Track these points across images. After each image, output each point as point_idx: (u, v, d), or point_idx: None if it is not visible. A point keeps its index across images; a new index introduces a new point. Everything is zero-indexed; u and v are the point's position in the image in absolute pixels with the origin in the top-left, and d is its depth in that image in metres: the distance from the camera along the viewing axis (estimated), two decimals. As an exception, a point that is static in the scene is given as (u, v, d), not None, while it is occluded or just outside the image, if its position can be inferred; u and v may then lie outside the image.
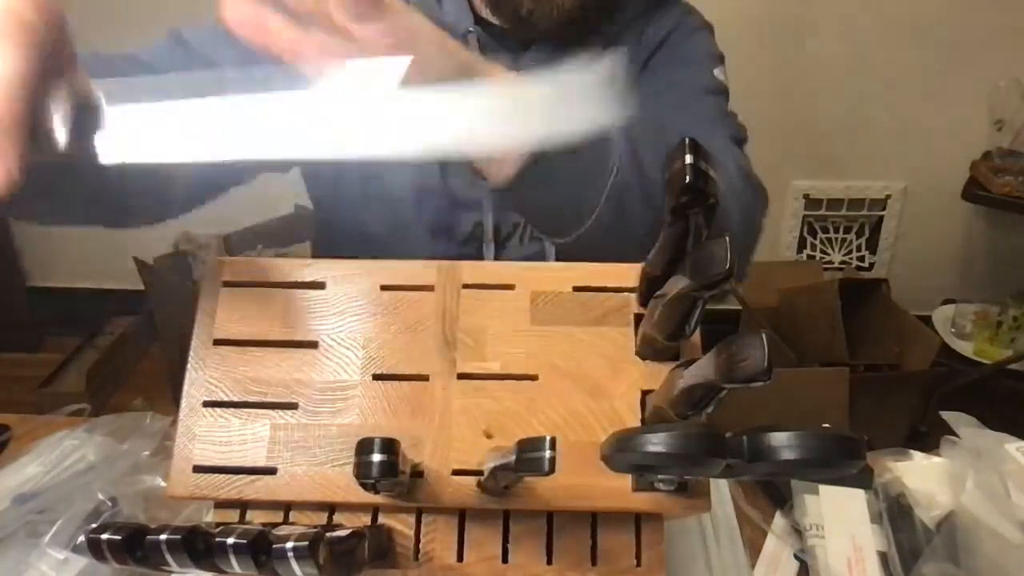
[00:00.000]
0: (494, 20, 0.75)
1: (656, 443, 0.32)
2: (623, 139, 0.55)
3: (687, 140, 0.34)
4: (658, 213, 0.37)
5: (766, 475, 0.35)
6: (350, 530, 0.39)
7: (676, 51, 0.86)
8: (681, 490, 0.44)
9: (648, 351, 0.46)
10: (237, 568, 0.33)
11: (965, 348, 2.01)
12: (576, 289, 0.48)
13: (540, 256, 0.81)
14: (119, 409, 0.82)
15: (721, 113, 0.86)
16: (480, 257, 0.80)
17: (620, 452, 0.35)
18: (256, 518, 0.45)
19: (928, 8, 1.81)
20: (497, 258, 0.80)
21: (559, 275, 0.49)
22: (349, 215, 0.82)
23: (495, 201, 0.78)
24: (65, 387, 1.96)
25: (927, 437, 1.68)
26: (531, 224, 0.67)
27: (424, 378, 0.46)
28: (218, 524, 0.39)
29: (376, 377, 0.46)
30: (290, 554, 0.32)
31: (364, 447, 0.37)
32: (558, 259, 0.79)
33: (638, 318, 0.47)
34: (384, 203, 0.79)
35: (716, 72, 0.86)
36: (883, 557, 0.67)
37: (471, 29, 0.74)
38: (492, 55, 0.75)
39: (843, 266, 2.16)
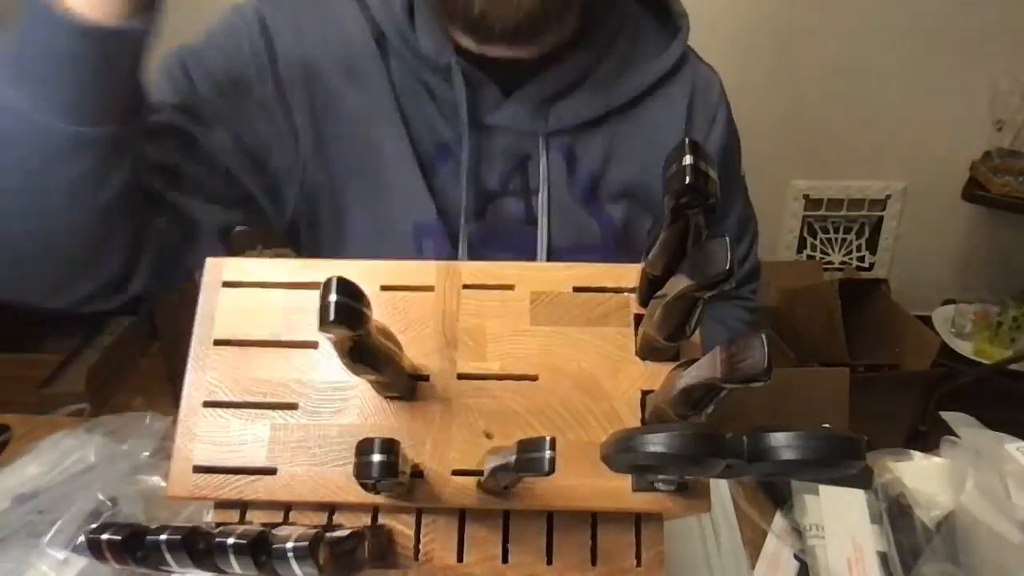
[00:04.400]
0: (454, 33, 0.67)
1: (656, 443, 0.32)
2: None
3: (687, 140, 0.34)
4: None
5: (766, 475, 0.35)
6: (350, 530, 0.39)
7: (729, 183, 0.79)
8: (681, 490, 0.44)
9: (648, 351, 0.46)
10: (237, 568, 0.33)
11: (965, 348, 2.01)
12: (576, 289, 0.48)
13: None
14: (119, 409, 0.82)
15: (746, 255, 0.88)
16: None
17: (620, 452, 0.35)
18: (256, 518, 0.45)
19: (928, 8, 1.81)
20: None
21: (559, 275, 0.49)
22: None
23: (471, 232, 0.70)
24: (65, 387, 1.96)
25: (927, 437, 1.68)
26: None
27: (424, 378, 0.46)
28: (218, 524, 0.39)
29: (376, 377, 0.46)
30: (290, 554, 0.32)
31: (364, 447, 0.37)
32: None
33: (638, 318, 0.47)
34: (385, 243, 0.72)
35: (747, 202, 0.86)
36: (883, 557, 0.67)
37: (453, 60, 0.66)
38: (478, 89, 0.68)
39: (843, 266, 2.16)
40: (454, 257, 0.70)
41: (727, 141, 0.78)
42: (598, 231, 0.73)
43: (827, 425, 0.32)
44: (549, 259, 0.71)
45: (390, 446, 0.37)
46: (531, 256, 0.72)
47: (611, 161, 0.72)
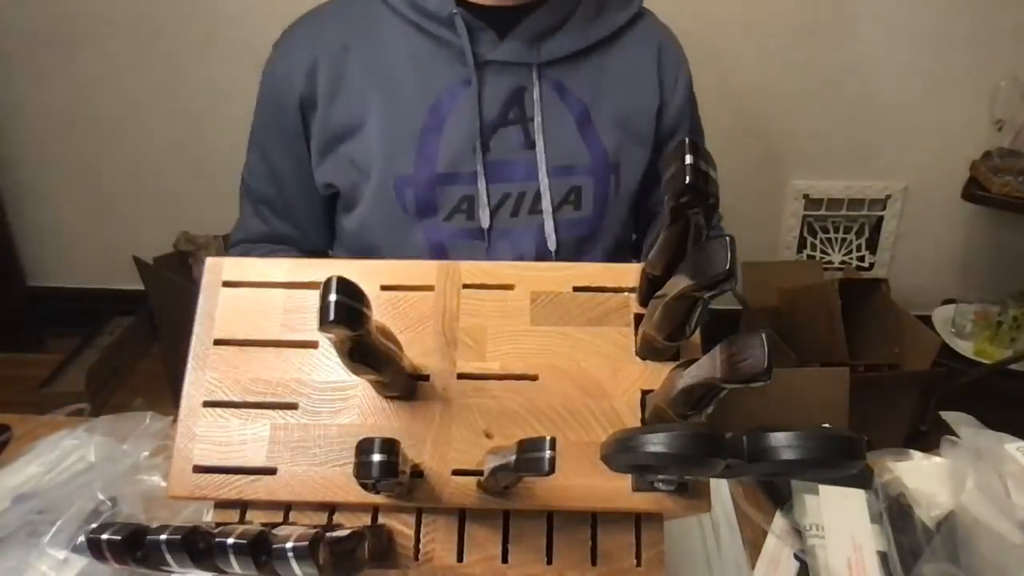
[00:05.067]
0: None
1: (656, 443, 0.32)
2: None
3: (687, 141, 0.34)
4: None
5: (766, 475, 0.35)
6: (350, 530, 0.39)
7: (693, 122, 0.93)
8: (681, 490, 0.44)
9: (648, 351, 0.46)
10: (237, 568, 0.33)
11: (965, 348, 2.00)
12: (576, 289, 0.48)
13: (539, 231, 0.83)
14: (119, 409, 0.82)
15: None
16: (467, 231, 0.82)
17: (620, 452, 0.35)
18: (256, 518, 0.45)
19: (928, 8, 1.81)
20: (490, 228, 0.82)
21: (559, 275, 0.49)
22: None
23: (487, 170, 0.81)
24: (65, 387, 1.96)
25: (927, 437, 1.68)
26: None
27: (424, 378, 0.46)
28: (218, 524, 0.39)
29: (376, 377, 0.46)
30: (290, 554, 0.32)
31: (364, 447, 0.37)
32: (557, 236, 0.83)
33: (638, 318, 0.47)
34: (369, 199, 0.83)
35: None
36: (883, 557, 0.67)
37: (455, 11, 0.78)
38: (477, 35, 0.79)
39: (843, 266, 2.16)
40: (433, 199, 0.82)
41: (690, 91, 0.92)
42: (587, 153, 0.84)
43: (827, 425, 0.32)
44: (549, 180, 0.82)
45: (390, 446, 0.37)
46: (533, 179, 0.82)
47: (600, 94, 0.85)
